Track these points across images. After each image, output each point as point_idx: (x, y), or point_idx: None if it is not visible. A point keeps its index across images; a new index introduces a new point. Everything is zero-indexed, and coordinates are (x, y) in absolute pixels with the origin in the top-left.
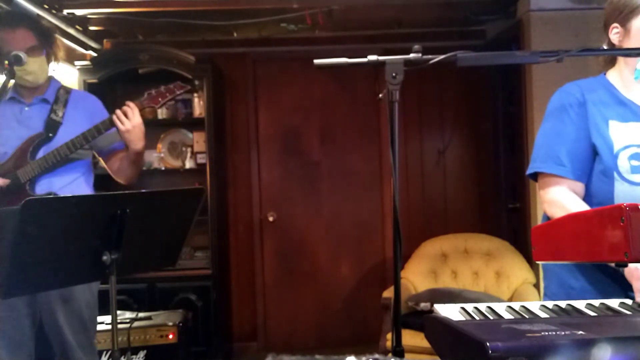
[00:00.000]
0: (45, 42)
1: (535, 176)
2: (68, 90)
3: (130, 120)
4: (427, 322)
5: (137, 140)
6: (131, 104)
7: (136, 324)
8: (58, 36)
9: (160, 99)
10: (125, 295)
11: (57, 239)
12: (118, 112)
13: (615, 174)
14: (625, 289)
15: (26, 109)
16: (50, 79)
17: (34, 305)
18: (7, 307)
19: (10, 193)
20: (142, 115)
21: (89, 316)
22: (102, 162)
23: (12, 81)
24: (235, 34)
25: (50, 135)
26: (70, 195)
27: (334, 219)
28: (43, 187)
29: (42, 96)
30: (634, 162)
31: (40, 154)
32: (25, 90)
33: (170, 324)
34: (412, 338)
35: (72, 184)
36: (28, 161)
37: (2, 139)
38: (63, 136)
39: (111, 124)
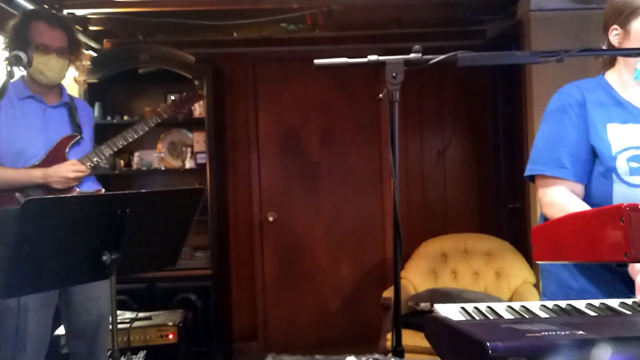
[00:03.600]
0: (72, 49)
1: (532, 178)
2: (72, 97)
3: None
4: (427, 322)
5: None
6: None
7: (136, 324)
8: (84, 52)
9: (184, 107)
10: (125, 295)
11: (57, 239)
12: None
13: (614, 176)
14: (627, 288)
15: (49, 110)
16: (61, 83)
17: (55, 297)
18: (38, 300)
19: (57, 190)
20: (142, 115)
21: (106, 311)
22: None
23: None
24: (235, 34)
25: (82, 137)
26: (70, 195)
27: (333, 219)
28: (89, 186)
29: (62, 100)
30: (633, 164)
31: (71, 154)
32: (44, 90)
33: (170, 324)
34: (412, 338)
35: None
36: (68, 160)
37: (32, 139)
38: (85, 139)
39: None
